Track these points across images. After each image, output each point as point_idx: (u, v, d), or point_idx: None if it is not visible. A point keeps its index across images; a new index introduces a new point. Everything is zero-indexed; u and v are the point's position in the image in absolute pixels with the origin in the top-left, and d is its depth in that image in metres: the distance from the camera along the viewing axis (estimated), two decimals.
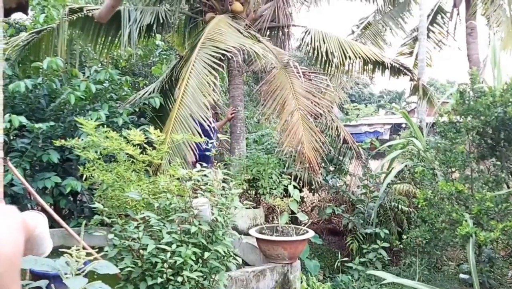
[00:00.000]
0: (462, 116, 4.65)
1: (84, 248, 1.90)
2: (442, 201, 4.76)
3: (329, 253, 6.44)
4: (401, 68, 6.85)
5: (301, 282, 4.03)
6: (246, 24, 6.16)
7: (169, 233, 2.82)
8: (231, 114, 6.17)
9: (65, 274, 1.74)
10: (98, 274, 1.96)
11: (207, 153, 4.54)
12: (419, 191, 5.43)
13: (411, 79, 7.06)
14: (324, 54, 6.41)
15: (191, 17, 7.04)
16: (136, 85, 7.72)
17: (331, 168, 6.96)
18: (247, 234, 4.63)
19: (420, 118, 8.98)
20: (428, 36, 11.38)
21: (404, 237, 5.70)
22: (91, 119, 4.58)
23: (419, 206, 5.17)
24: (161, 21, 6.41)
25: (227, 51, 4.85)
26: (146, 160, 3.50)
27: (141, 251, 2.71)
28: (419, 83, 7.04)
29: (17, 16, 8.10)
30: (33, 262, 1.65)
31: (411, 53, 12.38)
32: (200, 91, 4.69)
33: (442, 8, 11.63)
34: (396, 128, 21.71)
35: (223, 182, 3.38)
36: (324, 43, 6.38)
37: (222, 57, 4.99)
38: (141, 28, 6.20)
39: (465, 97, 4.64)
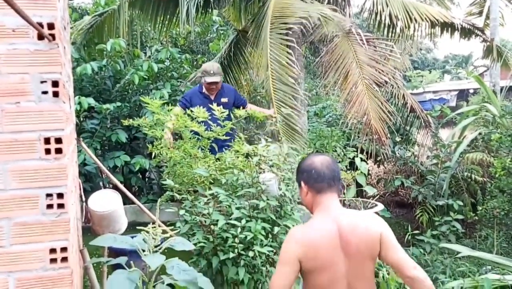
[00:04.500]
0: None
1: (159, 226, 1.92)
2: None
3: (398, 226, 6.24)
4: (472, 29, 6.36)
5: None
6: None
7: (238, 208, 2.81)
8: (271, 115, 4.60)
9: (143, 250, 1.76)
10: (171, 249, 1.98)
11: (228, 143, 3.70)
12: (495, 159, 5.09)
13: (484, 40, 6.55)
14: (387, 18, 6.07)
15: None
16: (195, 62, 7.76)
17: (398, 139, 6.68)
18: None
19: (494, 82, 8.36)
20: None
21: (479, 208, 5.40)
22: (155, 98, 4.66)
23: (497, 175, 4.85)
24: None
25: (297, 23, 4.71)
26: (211, 136, 3.50)
27: (212, 226, 2.72)
28: (493, 44, 6.52)
29: (79, 0, 8.37)
30: (113, 240, 1.68)
31: (480, 12, 11.47)
32: (284, 72, 4.61)
33: None
34: (463, 95, 20.51)
35: (288, 156, 3.31)
36: (387, 6, 6.02)
37: (290, 32, 4.85)
38: (199, 4, 6.16)
39: None
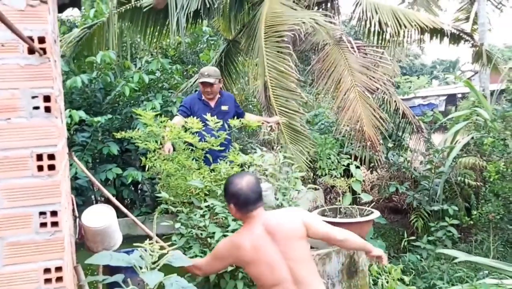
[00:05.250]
0: None
1: (156, 241, 1.87)
2: None
3: (393, 232, 6.22)
4: (461, 34, 6.43)
5: (371, 264, 3.89)
6: (294, 1, 5.96)
7: (234, 220, 2.77)
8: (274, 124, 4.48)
9: (140, 268, 1.71)
10: (167, 263, 1.93)
11: (223, 154, 3.61)
12: (488, 163, 5.10)
13: (473, 45, 6.62)
14: (377, 25, 6.11)
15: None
16: (185, 73, 7.73)
17: (390, 144, 6.69)
18: None
19: (483, 87, 8.43)
20: None
21: (474, 212, 5.39)
22: (147, 109, 4.61)
23: (491, 179, 4.86)
24: (208, 5, 6.33)
25: (290, 30, 4.71)
26: (206, 147, 3.46)
27: (208, 239, 2.68)
28: (482, 49, 6.59)
29: (67, 13, 8.31)
30: (109, 257, 1.63)
31: (467, 18, 11.65)
32: (283, 78, 4.64)
33: None
34: (451, 99, 20.68)
35: (284, 165, 3.29)
36: (377, 13, 6.07)
37: (285, 39, 4.87)
38: (189, 14, 6.15)
39: None
